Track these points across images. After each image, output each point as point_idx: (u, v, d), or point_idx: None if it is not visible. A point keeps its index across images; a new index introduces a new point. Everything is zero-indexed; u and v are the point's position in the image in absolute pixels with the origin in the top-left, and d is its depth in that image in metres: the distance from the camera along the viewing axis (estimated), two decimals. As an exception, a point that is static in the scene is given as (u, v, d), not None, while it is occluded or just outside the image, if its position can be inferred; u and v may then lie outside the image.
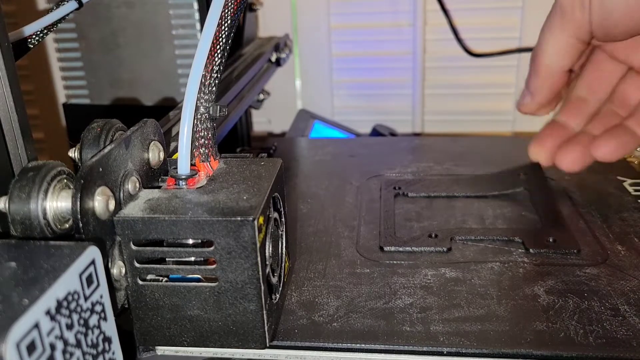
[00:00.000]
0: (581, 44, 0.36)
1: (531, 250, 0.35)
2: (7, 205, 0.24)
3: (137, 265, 0.26)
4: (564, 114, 0.39)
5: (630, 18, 0.32)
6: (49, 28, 0.35)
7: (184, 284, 0.26)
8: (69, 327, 0.20)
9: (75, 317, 0.20)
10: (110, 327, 0.23)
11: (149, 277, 0.26)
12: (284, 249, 0.31)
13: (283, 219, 0.31)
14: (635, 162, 0.48)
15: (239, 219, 0.25)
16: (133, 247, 0.26)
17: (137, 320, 0.27)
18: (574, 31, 0.35)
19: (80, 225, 0.23)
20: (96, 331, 0.22)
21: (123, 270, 0.26)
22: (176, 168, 0.29)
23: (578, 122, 0.39)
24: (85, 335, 0.21)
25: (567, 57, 0.36)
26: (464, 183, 0.44)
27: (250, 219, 0.25)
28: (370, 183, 0.45)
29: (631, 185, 0.44)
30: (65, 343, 0.20)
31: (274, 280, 0.29)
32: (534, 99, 0.39)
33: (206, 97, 0.29)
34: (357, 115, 0.75)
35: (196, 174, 0.29)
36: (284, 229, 0.31)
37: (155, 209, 0.26)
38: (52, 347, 0.19)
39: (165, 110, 0.43)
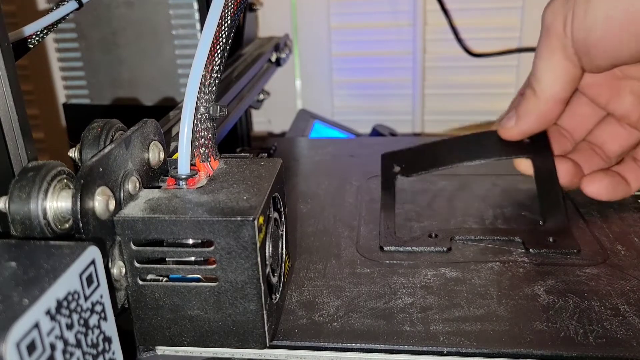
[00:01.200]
0: (573, 68, 0.35)
1: (531, 250, 0.35)
2: (7, 205, 0.24)
3: (137, 265, 0.26)
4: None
5: (610, 37, 0.32)
6: (49, 28, 0.35)
7: (184, 284, 0.26)
8: (69, 327, 0.20)
9: (75, 317, 0.20)
10: (110, 327, 0.23)
11: (149, 277, 0.26)
12: (284, 249, 0.31)
13: (283, 219, 0.31)
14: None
15: (239, 218, 0.25)
16: (133, 247, 0.26)
17: (137, 320, 0.27)
18: (560, 50, 0.34)
19: (81, 225, 0.23)
20: (96, 331, 0.22)
21: (123, 270, 0.26)
22: (176, 168, 0.29)
23: (560, 150, 0.40)
24: (86, 335, 0.21)
25: (559, 81, 0.35)
26: (464, 147, 0.42)
27: (250, 219, 0.25)
28: (370, 183, 0.45)
29: (631, 185, 0.44)
30: (66, 343, 0.20)
31: (274, 280, 0.29)
32: (519, 124, 0.37)
33: (206, 97, 0.29)
34: (357, 115, 0.75)
35: (196, 174, 0.29)
36: (284, 229, 0.31)
37: (155, 209, 0.26)
38: (52, 347, 0.19)
39: (165, 110, 0.43)
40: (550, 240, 0.35)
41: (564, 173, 0.38)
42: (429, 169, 0.42)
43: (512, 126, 0.38)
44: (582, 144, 0.40)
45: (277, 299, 0.29)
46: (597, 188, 0.37)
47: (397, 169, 0.43)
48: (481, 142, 0.42)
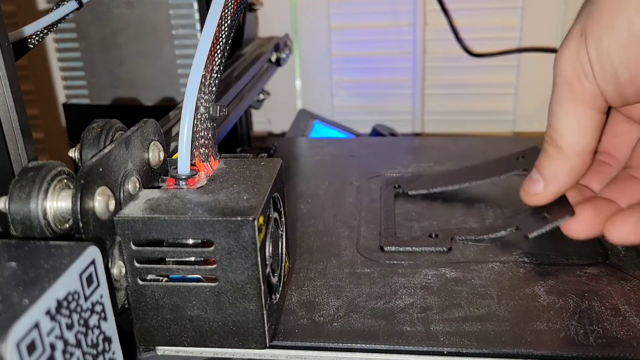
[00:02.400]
0: (600, 115, 0.32)
1: (529, 236, 0.34)
2: (7, 205, 0.24)
3: (137, 265, 0.26)
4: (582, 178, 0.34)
5: (637, 75, 0.29)
6: (49, 28, 0.35)
7: (184, 284, 0.26)
8: (69, 327, 0.20)
9: (75, 317, 0.20)
10: (110, 327, 0.23)
11: (149, 277, 0.26)
12: (284, 249, 0.31)
13: (283, 219, 0.31)
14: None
15: (239, 219, 0.25)
16: (133, 247, 0.26)
17: (137, 320, 0.27)
18: (589, 102, 0.31)
19: (81, 225, 0.23)
20: (96, 331, 0.22)
21: (123, 270, 0.26)
22: (176, 168, 0.29)
23: (597, 185, 0.35)
24: (86, 335, 0.21)
25: (589, 133, 0.32)
26: (462, 173, 0.43)
27: (250, 219, 0.25)
28: (370, 183, 0.45)
29: (631, 185, 0.43)
30: (66, 343, 0.20)
31: (274, 280, 0.29)
32: (549, 187, 0.33)
33: (206, 97, 0.29)
34: (357, 115, 0.75)
35: (196, 174, 0.29)
36: (284, 229, 0.31)
37: (155, 209, 0.26)
38: (52, 347, 0.19)
39: (165, 110, 0.43)
40: (545, 215, 0.33)
41: (582, 222, 0.32)
42: (429, 189, 0.43)
43: (540, 191, 0.33)
44: (623, 172, 0.34)
45: (277, 299, 0.29)
46: (625, 233, 0.31)
47: (396, 187, 0.44)
48: (478, 168, 0.43)
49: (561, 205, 0.33)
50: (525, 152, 0.41)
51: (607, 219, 0.31)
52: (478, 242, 0.36)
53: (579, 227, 0.32)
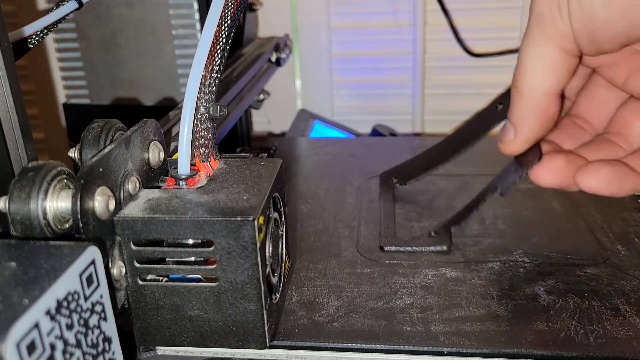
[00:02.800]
0: (569, 58, 0.30)
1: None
2: (7, 205, 0.24)
3: (137, 265, 0.26)
4: (554, 137, 0.34)
5: (615, 19, 0.28)
6: (49, 28, 0.35)
7: (184, 284, 0.26)
8: (69, 327, 0.20)
9: (75, 317, 0.20)
10: (110, 327, 0.23)
11: (149, 277, 0.26)
12: (284, 249, 0.31)
13: (283, 219, 0.31)
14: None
15: (239, 219, 0.25)
16: (133, 247, 0.26)
17: (137, 320, 0.27)
18: (558, 41, 0.30)
19: (80, 225, 0.23)
20: (96, 331, 0.22)
21: (123, 270, 0.26)
22: (176, 168, 0.29)
23: (572, 146, 0.33)
24: (85, 335, 0.21)
25: (554, 74, 0.30)
26: (450, 144, 0.41)
27: (250, 219, 0.25)
28: (370, 183, 0.45)
29: (631, 185, 0.43)
30: (65, 343, 0.19)
31: (274, 280, 0.29)
32: (518, 133, 0.32)
33: (206, 97, 0.29)
34: (357, 115, 0.75)
35: (196, 174, 0.29)
36: (284, 229, 0.31)
37: (155, 209, 0.26)
38: (52, 347, 0.19)
39: (165, 110, 0.43)
40: (517, 167, 0.32)
41: (553, 170, 0.31)
42: (423, 173, 0.42)
43: (511, 139, 0.32)
44: (600, 136, 0.33)
45: (277, 299, 0.29)
46: (595, 180, 0.30)
47: (394, 180, 0.44)
48: (461, 134, 0.41)
49: (532, 153, 0.32)
50: (503, 97, 0.38)
51: (578, 170, 0.30)
52: (478, 242, 0.36)
53: (546, 174, 0.31)
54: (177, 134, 0.30)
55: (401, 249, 0.36)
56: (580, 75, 0.34)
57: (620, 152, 0.32)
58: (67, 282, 0.20)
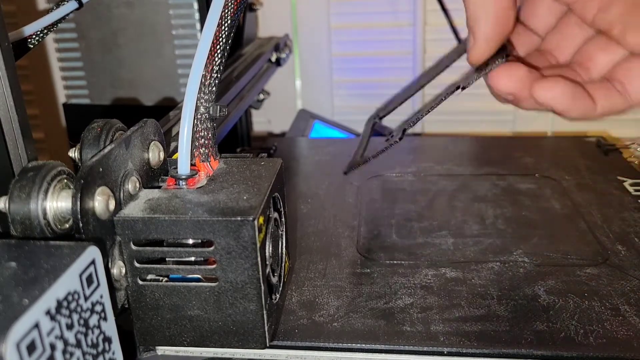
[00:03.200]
0: None
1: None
2: (7, 205, 0.24)
3: (137, 265, 0.26)
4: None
5: None
6: (49, 28, 0.35)
7: (184, 284, 0.26)
8: (69, 327, 0.20)
9: (75, 317, 0.20)
10: (110, 327, 0.23)
11: (149, 277, 0.26)
12: (284, 249, 0.31)
13: (283, 219, 0.31)
14: (636, 162, 0.48)
15: (239, 219, 0.25)
16: (133, 247, 0.26)
17: (137, 320, 0.27)
18: None
19: (81, 225, 0.23)
20: (96, 331, 0.22)
21: (123, 270, 0.26)
22: (176, 168, 0.29)
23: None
24: (86, 335, 0.21)
25: None
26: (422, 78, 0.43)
27: (250, 219, 0.25)
28: (370, 183, 0.45)
29: (631, 185, 0.44)
30: (66, 343, 0.20)
31: (274, 280, 0.29)
32: (475, 34, 0.32)
33: (206, 97, 0.29)
34: (357, 115, 0.75)
35: (196, 174, 0.29)
36: (284, 229, 0.31)
37: (155, 209, 0.26)
38: (52, 347, 0.19)
39: (165, 110, 0.43)
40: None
41: (513, 77, 0.31)
42: (400, 104, 0.43)
43: (472, 44, 0.32)
44: (563, 65, 0.34)
45: (277, 299, 0.29)
46: (551, 92, 0.30)
47: (375, 119, 0.45)
48: (438, 64, 0.42)
49: (497, 56, 0.32)
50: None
51: (536, 81, 0.31)
52: (478, 242, 0.36)
53: (505, 79, 0.31)
54: (177, 134, 0.30)
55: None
56: (554, 14, 0.34)
57: (579, 80, 0.33)
58: (67, 282, 0.20)
